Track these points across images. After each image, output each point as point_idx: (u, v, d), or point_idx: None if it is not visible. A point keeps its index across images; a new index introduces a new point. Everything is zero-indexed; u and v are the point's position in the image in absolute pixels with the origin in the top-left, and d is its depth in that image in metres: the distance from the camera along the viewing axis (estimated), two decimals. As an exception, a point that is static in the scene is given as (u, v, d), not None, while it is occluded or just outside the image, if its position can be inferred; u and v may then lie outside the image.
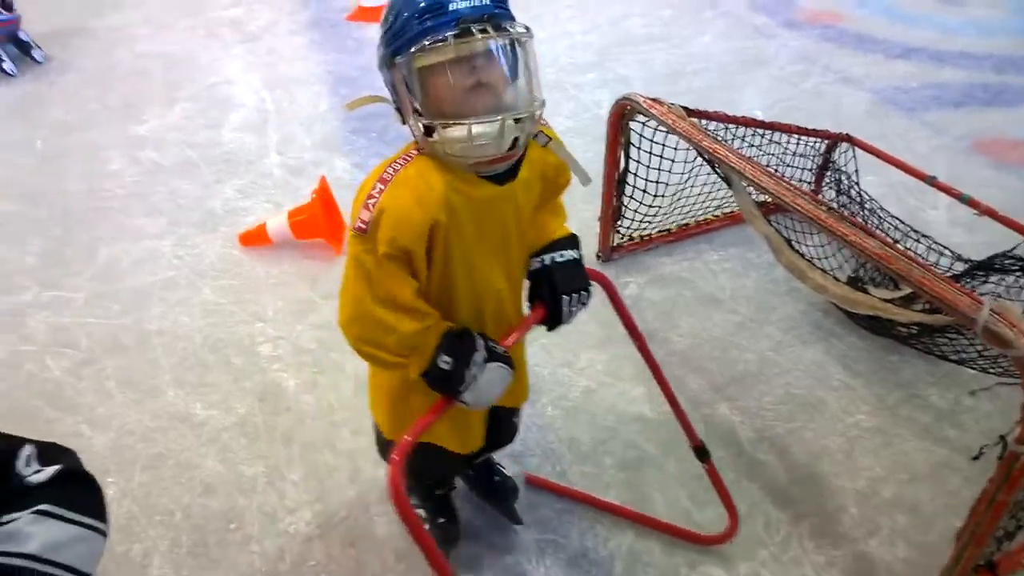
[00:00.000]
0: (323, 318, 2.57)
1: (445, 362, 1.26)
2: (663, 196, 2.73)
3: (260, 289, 2.75)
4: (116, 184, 3.42)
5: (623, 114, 2.52)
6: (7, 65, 4.47)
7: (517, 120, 1.17)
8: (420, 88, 1.17)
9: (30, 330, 2.59)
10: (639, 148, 2.61)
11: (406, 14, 1.14)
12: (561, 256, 1.44)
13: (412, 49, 1.13)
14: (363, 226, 1.21)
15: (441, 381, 1.28)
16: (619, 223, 2.77)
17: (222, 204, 3.26)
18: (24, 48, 4.61)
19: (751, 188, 2.10)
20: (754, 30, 4.91)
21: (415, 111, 1.19)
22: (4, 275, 2.86)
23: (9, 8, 4.57)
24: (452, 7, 1.12)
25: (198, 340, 2.52)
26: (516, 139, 1.20)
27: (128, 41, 4.94)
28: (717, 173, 2.42)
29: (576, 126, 3.72)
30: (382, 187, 1.21)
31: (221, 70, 4.54)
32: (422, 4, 1.13)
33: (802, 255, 2.17)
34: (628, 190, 2.69)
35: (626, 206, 2.73)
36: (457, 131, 1.15)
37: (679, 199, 2.80)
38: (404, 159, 1.25)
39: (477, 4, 1.14)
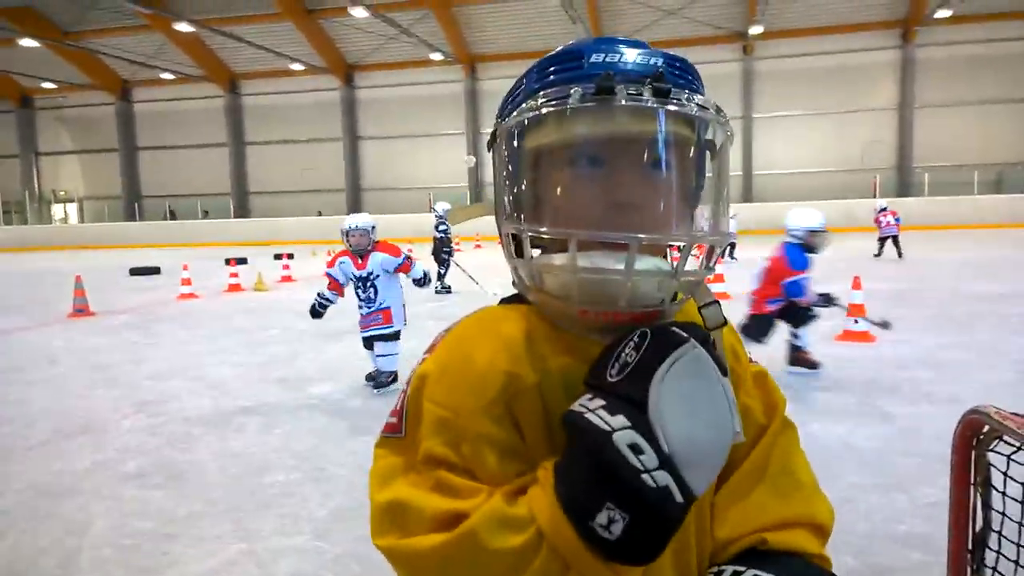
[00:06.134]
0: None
1: (580, 479, 0.67)
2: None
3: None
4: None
5: (977, 438, 1.82)
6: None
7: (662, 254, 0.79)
8: (514, 167, 0.76)
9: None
10: (1004, 494, 1.82)
11: (535, 71, 0.79)
12: None
13: (518, 109, 0.76)
14: (393, 422, 0.79)
15: (600, 493, 0.65)
16: (974, 609, 1.84)
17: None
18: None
19: None
20: None
21: (508, 211, 0.77)
22: None
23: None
24: (595, 58, 0.74)
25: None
26: (659, 298, 0.77)
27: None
28: None
29: (883, 444, 2.84)
30: (426, 356, 0.81)
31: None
32: (556, 53, 0.79)
33: None
34: (989, 558, 1.82)
35: (986, 582, 1.83)
36: (556, 257, 0.74)
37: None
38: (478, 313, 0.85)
39: (640, 60, 0.73)
